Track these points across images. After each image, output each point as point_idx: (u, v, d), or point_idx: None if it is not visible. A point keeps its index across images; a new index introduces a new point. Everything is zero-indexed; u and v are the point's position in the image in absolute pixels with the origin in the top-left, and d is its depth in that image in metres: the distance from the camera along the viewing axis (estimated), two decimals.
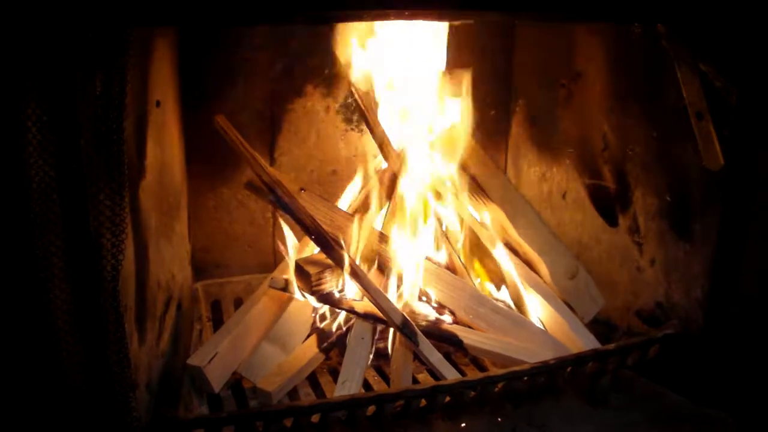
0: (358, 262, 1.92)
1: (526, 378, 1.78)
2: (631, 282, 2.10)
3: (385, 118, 2.18)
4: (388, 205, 2.12)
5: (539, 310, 2.04)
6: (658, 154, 1.96)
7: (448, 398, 1.75)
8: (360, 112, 2.22)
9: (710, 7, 1.67)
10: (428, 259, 2.03)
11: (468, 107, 2.18)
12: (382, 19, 1.92)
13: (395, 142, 2.15)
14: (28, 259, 1.27)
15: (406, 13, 1.50)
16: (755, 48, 1.68)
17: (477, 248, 2.11)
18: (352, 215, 2.02)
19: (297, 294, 1.93)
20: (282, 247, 1.98)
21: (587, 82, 2.20)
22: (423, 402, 1.73)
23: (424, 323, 1.92)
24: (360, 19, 1.57)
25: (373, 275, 1.96)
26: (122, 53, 1.28)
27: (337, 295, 1.94)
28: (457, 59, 2.21)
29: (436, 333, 1.91)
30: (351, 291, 1.97)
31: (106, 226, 1.29)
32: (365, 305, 1.90)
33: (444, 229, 2.13)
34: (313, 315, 2.02)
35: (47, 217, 1.25)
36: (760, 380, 1.81)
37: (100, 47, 1.25)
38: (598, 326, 2.10)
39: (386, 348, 1.95)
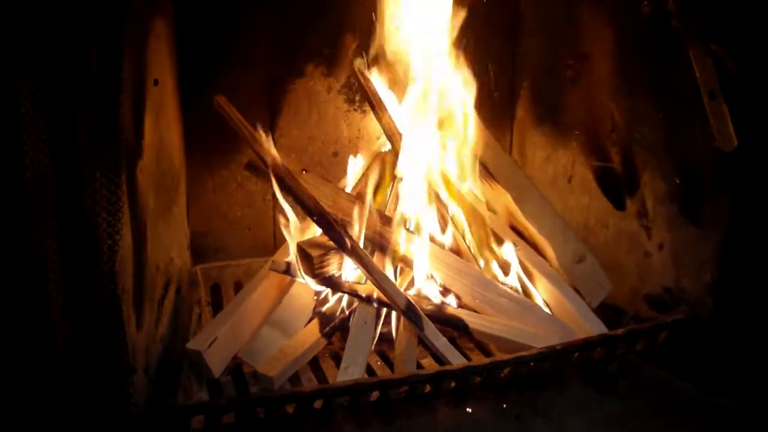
0: (361, 244, 1.89)
1: (532, 363, 1.76)
2: (639, 267, 2.07)
3: (389, 99, 2.15)
4: (392, 187, 2.10)
5: (546, 295, 2.02)
6: (666, 136, 1.94)
7: (453, 384, 1.73)
8: (364, 94, 2.19)
9: None
10: (433, 242, 2.01)
11: (474, 89, 2.16)
12: None
13: (400, 123, 2.12)
14: (22, 240, 1.25)
15: None
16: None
17: (483, 231, 2.08)
18: (355, 197, 2.00)
19: (299, 277, 1.90)
20: (283, 229, 1.96)
21: (594, 63, 2.18)
22: (428, 388, 1.71)
23: (429, 307, 1.89)
24: None
25: (376, 258, 1.93)
26: (119, 28, 1.26)
27: (340, 278, 1.91)
28: (462, 41, 2.17)
29: (441, 317, 1.89)
30: (354, 274, 1.94)
31: (102, 205, 1.27)
32: (368, 288, 1.89)
33: (449, 212, 2.10)
34: (314, 298, 2.00)
35: (41, 196, 1.24)
36: None
37: (96, 21, 1.23)
38: (605, 311, 2.07)
39: (390, 332, 1.94)
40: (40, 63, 1.20)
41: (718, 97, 1.72)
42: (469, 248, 2.06)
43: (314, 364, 1.93)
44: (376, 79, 2.15)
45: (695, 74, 1.76)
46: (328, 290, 1.98)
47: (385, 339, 1.95)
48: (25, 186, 1.22)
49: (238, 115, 1.94)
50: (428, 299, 1.94)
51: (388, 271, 1.92)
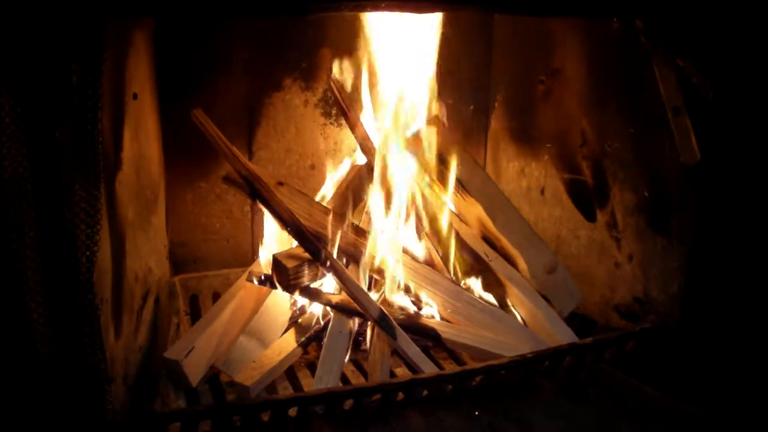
0: (335, 256, 1.92)
1: (503, 371, 1.78)
2: (609, 277, 2.11)
3: (364, 112, 2.18)
4: (367, 200, 2.11)
5: (517, 305, 2.04)
6: (635, 150, 1.97)
7: (425, 392, 1.75)
8: (339, 107, 2.21)
9: (688, 4, 1.68)
10: (406, 253, 2.03)
11: (449, 102, 2.18)
12: (359, 11, 1.92)
13: (374, 136, 2.14)
14: (2, 250, 1.26)
15: (383, 4, 1.51)
16: (732, 44, 1.69)
17: (456, 243, 2.11)
18: (331, 209, 2.02)
19: (275, 288, 1.92)
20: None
21: (566, 79, 2.21)
22: (401, 395, 1.73)
23: (402, 317, 1.92)
24: (338, 10, 1.57)
25: (351, 269, 1.96)
26: (98, 44, 1.27)
27: (315, 289, 1.93)
28: (436, 55, 2.20)
29: (414, 327, 1.91)
30: (329, 285, 1.97)
31: (81, 217, 1.28)
32: (343, 299, 1.90)
33: (423, 223, 2.13)
34: (291, 309, 2.01)
35: (21, 208, 1.25)
36: (735, 375, 1.82)
37: (76, 38, 1.24)
38: (576, 321, 2.10)
39: (364, 342, 1.95)
40: (21, 78, 1.22)
41: (682, 113, 1.76)
42: (441, 259, 2.08)
43: (290, 373, 1.94)
44: (351, 93, 2.17)
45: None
46: (305, 301, 2.00)
47: (360, 348, 1.97)
48: (4, 198, 1.24)
49: (215, 128, 1.94)
50: (401, 309, 1.97)
51: (363, 282, 1.94)
